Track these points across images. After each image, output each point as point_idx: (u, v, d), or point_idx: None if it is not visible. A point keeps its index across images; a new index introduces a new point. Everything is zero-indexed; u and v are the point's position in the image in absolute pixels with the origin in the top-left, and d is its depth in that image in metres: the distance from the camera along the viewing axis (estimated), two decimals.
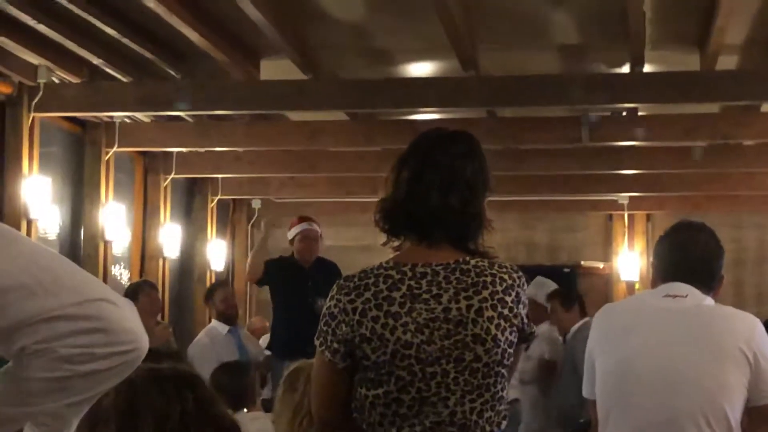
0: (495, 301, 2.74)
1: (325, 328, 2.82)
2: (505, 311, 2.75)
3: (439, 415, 2.71)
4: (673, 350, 3.31)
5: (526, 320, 2.83)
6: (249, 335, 8.94)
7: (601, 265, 14.31)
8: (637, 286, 13.72)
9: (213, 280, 12.14)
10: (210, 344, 8.12)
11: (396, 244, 2.89)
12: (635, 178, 11.99)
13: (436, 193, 2.81)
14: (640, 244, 14.12)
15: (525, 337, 2.86)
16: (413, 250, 2.84)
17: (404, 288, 2.75)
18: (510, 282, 2.78)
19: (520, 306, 2.80)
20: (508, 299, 2.76)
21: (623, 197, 13.17)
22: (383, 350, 2.71)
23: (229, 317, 8.42)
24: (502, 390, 2.79)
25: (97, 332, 1.68)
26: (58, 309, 1.66)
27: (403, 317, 2.72)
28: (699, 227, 3.57)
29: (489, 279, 2.76)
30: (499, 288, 2.75)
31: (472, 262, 2.80)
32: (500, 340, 2.73)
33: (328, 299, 2.83)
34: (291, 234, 8.26)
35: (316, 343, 2.84)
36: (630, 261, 13.94)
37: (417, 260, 2.80)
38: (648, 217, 14.25)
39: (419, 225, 2.83)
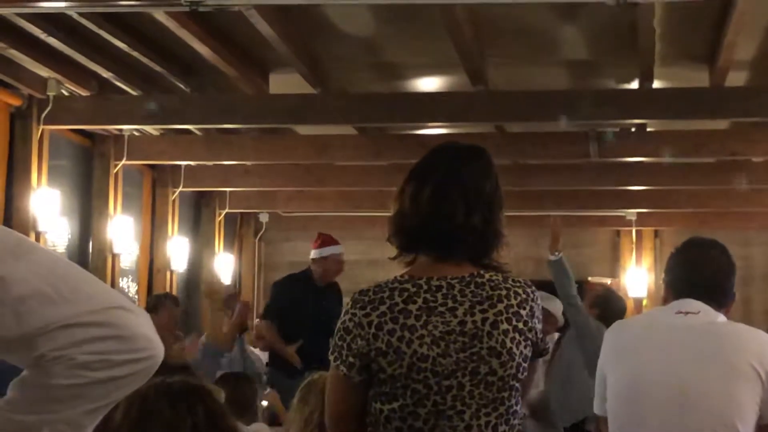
0: (510, 315, 2.73)
1: (339, 343, 2.79)
2: (520, 325, 2.74)
3: (455, 429, 2.70)
4: (684, 368, 3.30)
5: (540, 335, 2.83)
6: (251, 350, 8.94)
7: (609, 281, 14.29)
8: (645, 302, 13.69)
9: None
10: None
11: (408, 259, 2.88)
12: (643, 194, 11.98)
13: (461, 212, 2.81)
14: (648, 260, 14.10)
15: (539, 352, 2.86)
16: (428, 264, 2.84)
17: (420, 301, 2.75)
18: (524, 296, 2.78)
19: (534, 320, 2.80)
20: (523, 313, 2.76)
21: (631, 213, 13.16)
22: (399, 363, 2.70)
23: (242, 327, 8.50)
24: (516, 404, 2.79)
25: (114, 339, 1.69)
26: (76, 316, 1.67)
27: (419, 330, 2.72)
28: (711, 244, 3.55)
29: (504, 293, 2.76)
30: (513, 302, 2.75)
31: (487, 276, 2.80)
32: (515, 354, 2.72)
33: (343, 314, 2.82)
34: (323, 253, 8.23)
35: (330, 358, 2.81)
36: (638, 277, 13.92)
37: (432, 273, 2.80)
38: (656, 233, 14.23)
39: (441, 242, 2.83)
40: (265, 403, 7.21)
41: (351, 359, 2.76)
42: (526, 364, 2.77)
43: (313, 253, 8.30)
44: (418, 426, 2.71)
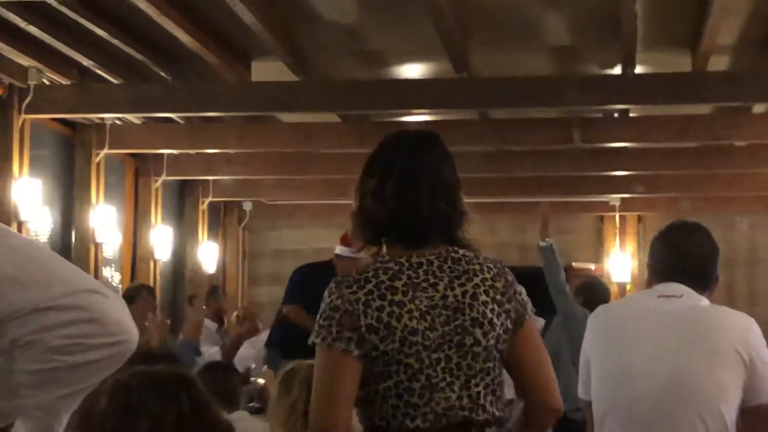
0: (487, 287, 2.81)
1: (326, 323, 2.78)
2: (498, 296, 2.81)
3: (449, 400, 2.74)
4: (668, 352, 3.30)
5: (523, 302, 2.87)
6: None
7: (592, 266, 14.31)
8: (628, 287, 13.73)
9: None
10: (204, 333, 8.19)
11: (373, 251, 2.92)
12: (627, 180, 12.00)
13: (426, 201, 2.86)
14: (631, 246, 14.14)
15: (524, 314, 2.87)
16: (402, 250, 2.87)
17: (404, 278, 2.79)
18: (496, 271, 2.85)
19: (511, 291, 2.85)
20: (498, 285, 2.83)
21: (614, 198, 13.19)
22: (391, 338, 2.73)
23: (221, 317, 8.56)
24: (500, 375, 2.84)
25: (87, 323, 1.68)
26: (49, 300, 1.66)
27: (407, 305, 2.76)
28: (694, 227, 3.56)
29: (478, 267, 2.83)
30: (488, 275, 2.83)
31: (461, 251, 2.86)
32: (496, 324, 2.79)
33: (326, 296, 2.82)
34: (350, 253, 8.18)
35: (317, 340, 2.78)
36: (621, 262, 13.96)
37: (410, 253, 2.84)
38: (639, 219, 14.27)
39: (410, 234, 2.87)
40: (261, 381, 7.22)
41: (347, 333, 2.75)
42: (506, 336, 2.82)
43: (345, 251, 8.20)
44: (414, 401, 2.74)
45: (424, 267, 2.81)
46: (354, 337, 2.74)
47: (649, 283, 3.54)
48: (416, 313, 2.75)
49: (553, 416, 2.86)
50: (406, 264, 2.81)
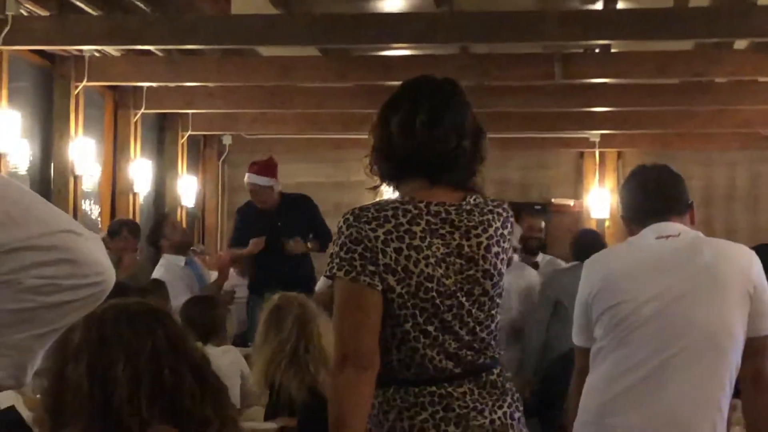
0: (498, 237, 2.90)
1: (348, 255, 2.78)
2: (505, 245, 2.93)
3: (460, 341, 2.84)
4: (676, 291, 3.32)
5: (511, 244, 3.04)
6: (205, 268, 8.54)
7: (572, 202, 14.36)
8: (607, 223, 13.79)
9: (185, 216, 12.11)
10: (171, 279, 7.40)
11: (385, 187, 2.97)
12: (607, 116, 12.00)
13: (453, 137, 2.90)
14: (610, 182, 14.17)
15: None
16: (421, 189, 2.90)
17: (423, 223, 2.83)
18: (504, 215, 2.95)
19: (511, 236, 2.99)
20: (506, 233, 2.94)
21: (595, 135, 13.20)
22: (408, 282, 2.79)
23: (182, 247, 8.04)
24: (498, 318, 2.96)
25: (64, 263, 1.67)
26: (25, 240, 1.65)
27: (424, 251, 2.81)
28: (654, 166, 3.66)
29: (491, 217, 2.91)
30: (498, 224, 2.92)
31: (473, 201, 2.92)
32: (503, 273, 2.92)
33: (343, 228, 2.82)
34: (266, 182, 8.18)
35: (339, 273, 2.78)
36: (601, 198, 14.01)
37: (430, 198, 2.88)
38: (619, 155, 14.29)
39: (435, 167, 2.90)
40: None
41: (370, 267, 2.77)
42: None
43: (260, 180, 8.23)
44: (428, 343, 2.81)
45: (442, 215, 2.85)
46: (377, 271, 2.77)
47: (632, 232, 3.56)
48: (432, 260, 2.81)
49: None
50: (425, 209, 2.85)
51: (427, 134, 2.88)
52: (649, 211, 3.50)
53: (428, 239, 2.82)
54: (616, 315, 3.37)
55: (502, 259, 2.90)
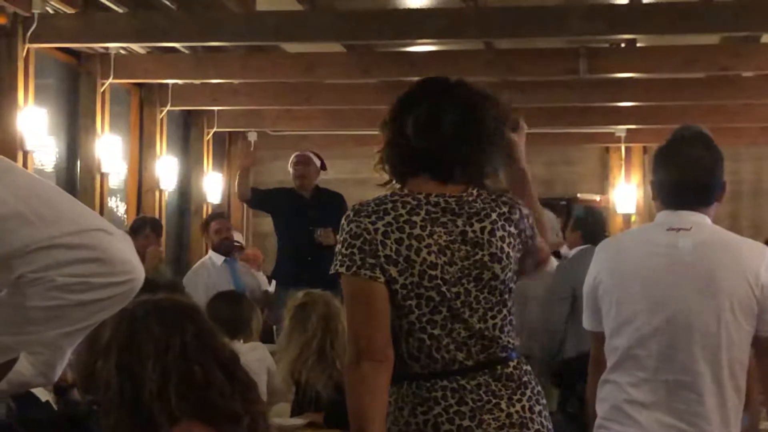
0: (503, 221, 2.89)
1: (349, 251, 2.80)
2: (513, 229, 2.91)
3: (470, 329, 2.83)
4: (680, 297, 3.25)
5: (530, 232, 2.96)
6: (246, 268, 8.95)
7: (597, 197, 14.31)
8: (633, 218, 13.74)
9: (210, 213, 12.14)
10: (205, 274, 8.16)
11: (397, 188, 2.94)
12: (633, 111, 11.95)
13: (462, 138, 2.90)
14: (636, 177, 14.12)
15: (529, 241, 2.97)
16: (424, 184, 2.90)
17: (423, 213, 2.84)
18: (511, 203, 2.94)
19: (523, 222, 2.94)
20: (514, 218, 2.92)
21: (620, 130, 13.14)
22: (410, 272, 2.79)
23: (224, 248, 8.43)
24: (512, 305, 2.94)
25: (94, 262, 1.68)
26: (56, 238, 1.66)
27: (425, 239, 2.81)
28: (694, 138, 3.39)
29: (493, 204, 2.91)
30: (504, 209, 2.91)
31: (475, 192, 2.92)
32: (512, 258, 2.89)
33: (344, 225, 2.84)
34: (289, 165, 8.37)
35: (342, 269, 2.81)
36: (627, 194, 13.95)
37: (430, 190, 2.89)
38: (645, 150, 14.22)
39: (444, 167, 2.90)
40: None
41: (370, 260, 2.79)
42: (516, 267, 2.92)
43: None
44: (437, 333, 2.82)
45: (442, 205, 2.86)
46: (377, 263, 2.78)
47: (657, 202, 3.42)
48: (434, 248, 2.81)
49: None
50: (425, 200, 2.85)
51: (452, 133, 2.88)
52: (676, 200, 3.34)
53: (429, 228, 2.82)
54: (622, 319, 3.32)
55: (510, 243, 2.88)
